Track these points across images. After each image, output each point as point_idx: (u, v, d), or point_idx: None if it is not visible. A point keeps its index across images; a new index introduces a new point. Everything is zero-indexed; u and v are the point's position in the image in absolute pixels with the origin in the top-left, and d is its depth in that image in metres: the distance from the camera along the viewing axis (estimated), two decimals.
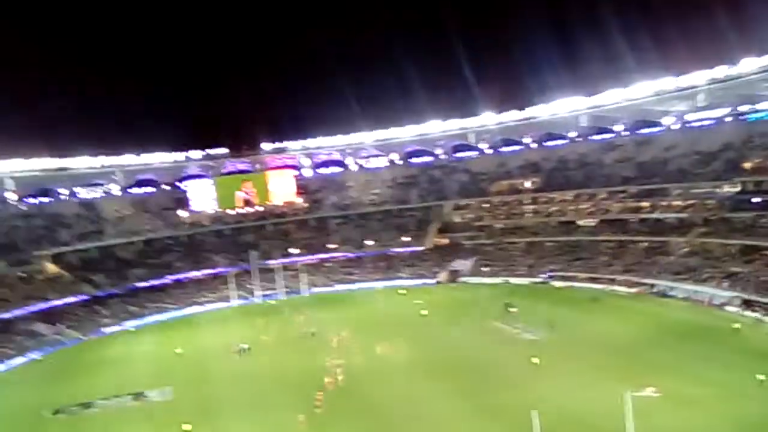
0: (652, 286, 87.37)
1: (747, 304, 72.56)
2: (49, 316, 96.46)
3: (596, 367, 57.39)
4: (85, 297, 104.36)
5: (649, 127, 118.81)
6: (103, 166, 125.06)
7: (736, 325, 66.06)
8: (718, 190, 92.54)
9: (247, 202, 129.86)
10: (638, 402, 38.73)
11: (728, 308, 73.83)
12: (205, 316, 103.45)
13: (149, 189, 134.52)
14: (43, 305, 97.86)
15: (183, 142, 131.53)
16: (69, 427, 56.55)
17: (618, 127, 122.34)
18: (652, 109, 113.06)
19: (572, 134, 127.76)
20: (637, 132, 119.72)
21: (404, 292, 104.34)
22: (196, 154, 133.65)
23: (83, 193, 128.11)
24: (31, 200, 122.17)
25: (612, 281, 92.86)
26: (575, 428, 43.85)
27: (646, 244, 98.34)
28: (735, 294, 75.22)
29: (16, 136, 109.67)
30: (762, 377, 48.37)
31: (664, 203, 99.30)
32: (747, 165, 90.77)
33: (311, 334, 78.37)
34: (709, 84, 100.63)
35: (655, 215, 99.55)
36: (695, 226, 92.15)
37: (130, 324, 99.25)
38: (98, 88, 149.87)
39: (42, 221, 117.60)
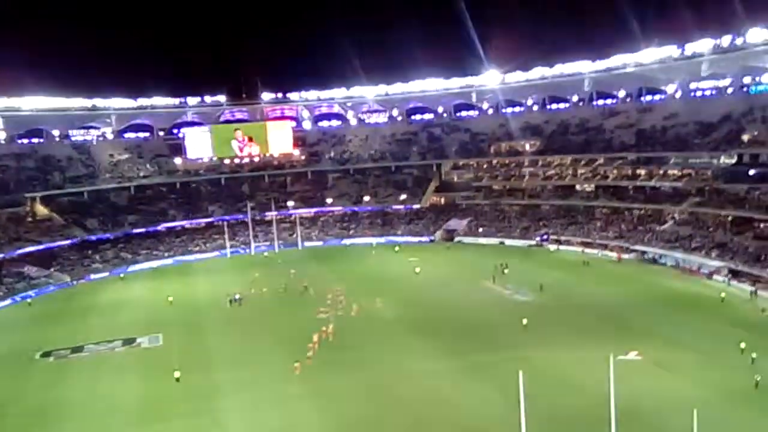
0: (644, 252, 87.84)
1: (734, 274, 73.20)
2: (40, 259, 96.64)
3: (583, 330, 58.12)
4: (76, 241, 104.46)
5: (651, 94, 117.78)
6: (96, 108, 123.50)
7: (723, 295, 66.83)
8: (715, 161, 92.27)
9: (246, 152, 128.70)
10: (622, 365, 39.29)
11: (716, 278, 74.46)
12: (198, 265, 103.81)
13: (144, 134, 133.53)
14: (33, 248, 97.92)
15: (180, 87, 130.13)
16: (58, 369, 57.20)
17: (621, 93, 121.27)
18: (655, 76, 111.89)
19: (575, 98, 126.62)
20: (640, 99, 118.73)
21: (399, 249, 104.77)
22: (194, 100, 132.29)
23: (77, 135, 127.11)
24: (23, 141, 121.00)
25: (605, 246, 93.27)
26: (560, 389, 44.54)
27: (640, 211, 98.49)
28: (723, 264, 75.78)
29: (7, 74, 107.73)
30: (745, 346, 49.04)
31: (660, 171, 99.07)
32: (745, 137, 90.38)
33: (304, 287, 78.76)
34: (714, 53, 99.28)
35: (651, 183, 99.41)
36: (690, 196, 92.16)
37: (122, 270, 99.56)
38: (95, 29, 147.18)
39: (33, 162, 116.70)
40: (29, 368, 57.80)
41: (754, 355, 47.36)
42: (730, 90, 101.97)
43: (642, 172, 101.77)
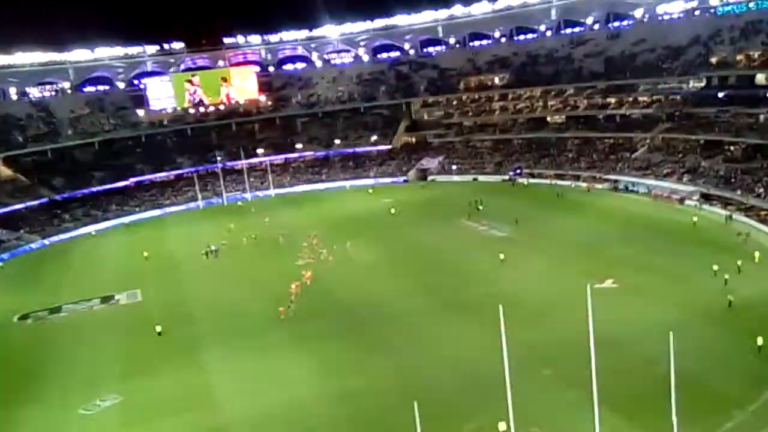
0: (616, 181, 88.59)
1: (706, 198, 74.24)
2: (8, 221, 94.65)
3: (560, 260, 58.86)
4: (44, 201, 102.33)
5: (619, 20, 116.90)
6: (52, 62, 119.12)
7: (695, 219, 67.80)
8: (684, 85, 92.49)
9: (201, 102, 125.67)
10: (599, 294, 39.87)
11: (688, 203, 75.41)
12: (171, 218, 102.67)
13: (104, 87, 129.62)
14: (0, 210, 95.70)
15: (138, 36, 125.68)
16: (38, 331, 56.65)
17: (589, 20, 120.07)
18: (623, 1, 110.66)
19: (542, 28, 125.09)
20: (608, 25, 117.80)
21: (372, 191, 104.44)
22: (152, 48, 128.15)
23: (34, 92, 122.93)
24: None
25: (577, 178, 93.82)
26: (539, 319, 45.33)
27: (611, 140, 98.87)
28: (695, 189, 76.73)
29: None
30: (717, 268, 50.01)
31: (630, 99, 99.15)
32: (714, 59, 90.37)
33: (280, 235, 78.30)
34: None
35: (621, 111, 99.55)
36: (660, 122, 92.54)
37: (93, 227, 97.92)
38: None
39: None
40: (8, 332, 57.12)
41: (726, 276, 48.31)
42: (697, 12, 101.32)
43: (612, 100, 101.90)
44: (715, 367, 36.50)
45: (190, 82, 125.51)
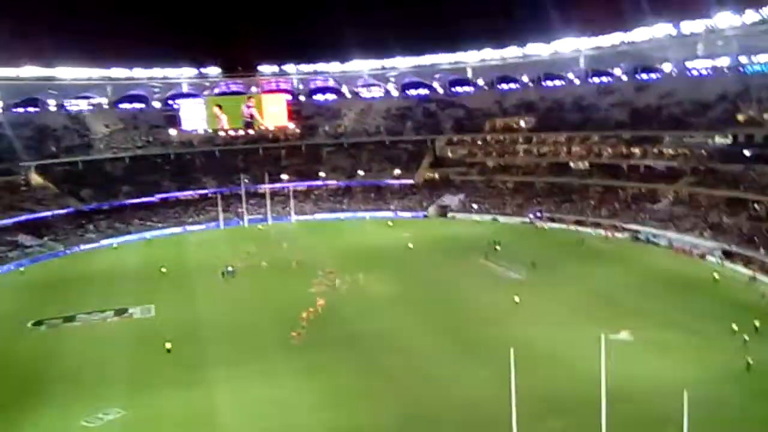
0: (637, 231, 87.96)
1: (727, 255, 73.34)
2: (34, 228, 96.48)
3: (575, 308, 58.32)
4: (70, 210, 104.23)
5: (647, 72, 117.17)
6: (91, 79, 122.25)
7: (716, 276, 66.71)
8: (710, 140, 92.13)
9: (249, 124, 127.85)
10: (613, 344, 39.43)
11: (709, 258, 74.59)
12: (191, 236, 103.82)
13: (139, 105, 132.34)
14: (27, 216, 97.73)
15: (176, 59, 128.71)
16: (50, 338, 57.35)
17: (617, 71, 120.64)
18: (651, 54, 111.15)
19: (570, 76, 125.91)
20: (635, 77, 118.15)
21: (392, 223, 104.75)
22: (190, 71, 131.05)
23: (72, 105, 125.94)
24: (19, 110, 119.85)
25: (597, 225, 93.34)
26: (550, 366, 44.83)
27: (634, 190, 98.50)
28: (717, 245, 75.92)
29: (3, 43, 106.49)
30: (736, 327, 49.15)
31: (655, 150, 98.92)
32: (741, 117, 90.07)
33: (296, 262, 78.72)
34: (709, 32, 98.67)
35: (645, 162, 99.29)
36: (684, 175, 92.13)
37: (115, 240, 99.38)
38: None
39: (29, 132, 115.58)
40: (20, 337, 57.87)
41: (746, 337, 47.32)
42: (726, 70, 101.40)
43: (636, 150, 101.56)
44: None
45: (219, 107, 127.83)
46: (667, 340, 49.31)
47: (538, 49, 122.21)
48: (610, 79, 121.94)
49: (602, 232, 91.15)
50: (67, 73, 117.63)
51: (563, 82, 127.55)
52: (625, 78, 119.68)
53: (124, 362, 50.14)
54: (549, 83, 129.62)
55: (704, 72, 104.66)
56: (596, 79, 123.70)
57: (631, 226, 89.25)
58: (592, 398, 33.13)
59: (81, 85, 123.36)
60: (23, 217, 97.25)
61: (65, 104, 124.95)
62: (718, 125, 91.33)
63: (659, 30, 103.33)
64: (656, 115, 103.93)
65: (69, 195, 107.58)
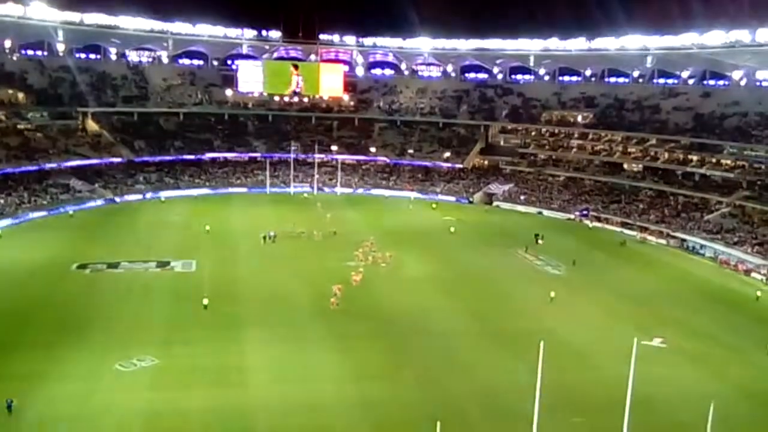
0: (683, 240, 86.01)
1: None
2: (86, 174, 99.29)
3: (611, 310, 57.62)
4: (122, 160, 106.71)
5: (715, 79, 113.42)
6: (153, 30, 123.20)
7: (759, 294, 64.98)
8: None
9: (295, 92, 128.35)
10: (645, 350, 38.97)
11: (754, 275, 72.59)
12: (237, 198, 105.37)
13: (198, 62, 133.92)
14: (80, 162, 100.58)
15: (238, 19, 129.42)
16: (93, 282, 59.21)
17: (684, 74, 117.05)
18: (722, 60, 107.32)
19: (635, 74, 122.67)
20: (703, 82, 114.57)
21: (435, 206, 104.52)
22: (251, 33, 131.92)
23: (133, 56, 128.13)
24: (81, 55, 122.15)
25: (644, 229, 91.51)
26: (579, 365, 44.64)
27: (686, 198, 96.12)
28: (764, 262, 73.77)
29: None
30: None
31: (713, 160, 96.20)
32: None
33: (333, 232, 79.41)
34: None
35: (701, 171, 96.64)
36: (739, 188, 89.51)
37: (164, 194, 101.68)
38: None
39: (88, 78, 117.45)
40: (65, 278, 59.77)
41: None
42: None
43: (694, 158, 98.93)
44: None
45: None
46: (700, 351, 48.56)
47: (605, 43, 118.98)
48: (675, 81, 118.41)
49: (648, 237, 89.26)
50: (129, 22, 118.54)
51: (627, 80, 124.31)
52: (691, 82, 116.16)
53: (161, 313, 51.57)
54: (612, 80, 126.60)
55: None
56: (661, 80, 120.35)
57: (679, 234, 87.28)
58: (617, 401, 32.92)
59: (142, 37, 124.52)
60: (76, 162, 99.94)
61: (126, 54, 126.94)
62: None
63: (733, 35, 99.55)
64: (719, 124, 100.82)
65: (122, 145, 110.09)
